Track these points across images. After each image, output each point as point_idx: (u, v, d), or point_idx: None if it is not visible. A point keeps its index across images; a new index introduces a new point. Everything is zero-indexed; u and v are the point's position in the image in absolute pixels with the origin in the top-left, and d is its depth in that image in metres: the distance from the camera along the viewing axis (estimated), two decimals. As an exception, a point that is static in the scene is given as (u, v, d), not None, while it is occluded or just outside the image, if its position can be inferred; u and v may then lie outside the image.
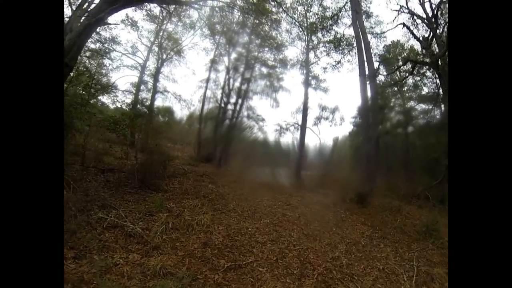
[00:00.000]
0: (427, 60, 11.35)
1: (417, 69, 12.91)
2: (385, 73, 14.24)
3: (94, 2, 6.46)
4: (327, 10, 13.20)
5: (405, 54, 13.78)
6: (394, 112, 14.76)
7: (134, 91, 13.77)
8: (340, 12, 12.90)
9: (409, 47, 13.77)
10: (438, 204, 8.71)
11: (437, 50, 11.14)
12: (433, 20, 10.98)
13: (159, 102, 15.01)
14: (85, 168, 6.81)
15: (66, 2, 8.22)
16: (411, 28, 12.24)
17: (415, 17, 12.36)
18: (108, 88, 13.24)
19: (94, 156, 7.99)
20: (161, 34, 14.14)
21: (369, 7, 12.99)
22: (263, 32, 13.85)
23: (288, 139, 15.08)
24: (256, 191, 8.26)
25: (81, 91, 6.90)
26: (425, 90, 14.28)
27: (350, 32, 13.08)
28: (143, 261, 3.47)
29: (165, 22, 14.01)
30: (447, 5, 10.04)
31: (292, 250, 4.41)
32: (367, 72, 10.17)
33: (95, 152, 8.19)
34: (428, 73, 13.82)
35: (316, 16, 13.43)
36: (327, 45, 13.83)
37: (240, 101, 14.00)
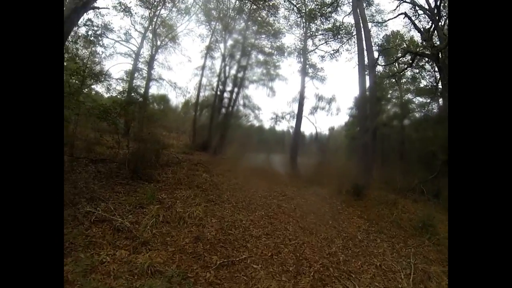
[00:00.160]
0: (428, 52, 11.05)
1: (416, 61, 12.62)
2: (383, 63, 13.93)
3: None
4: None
5: (404, 45, 13.44)
6: (391, 104, 14.60)
7: (125, 79, 13.35)
8: (339, -1, 12.46)
9: (409, 38, 13.45)
10: (433, 199, 8.64)
11: (438, 42, 10.83)
12: (435, 11, 10.63)
13: (154, 90, 14.66)
14: (75, 159, 6.50)
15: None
16: (413, 18, 11.89)
17: (416, 7, 11.99)
18: (102, 76, 12.84)
19: (85, 146, 7.69)
20: (155, 20, 13.58)
21: (370, -5, 12.57)
22: (260, 18, 13.38)
23: (284, 127, 14.93)
24: (251, 180, 8.06)
25: (70, 79, 6.48)
26: (423, 83, 14.08)
27: (349, 20, 12.73)
28: (131, 258, 3.24)
29: (159, 7, 13.45)
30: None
31: (287, 245, 4.21)
32: (366, 62, 9.87)
33: (86, 142, 7.89)
34: (427, 66, 13.56)
35: (315, 2, 12.96)
36: (325, 33, 13.41)
37: (236, 89, 13.68)
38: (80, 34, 11.33)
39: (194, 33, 14.41)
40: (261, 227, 4.75)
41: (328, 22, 13.25)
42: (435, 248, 4.96)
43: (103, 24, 12.36)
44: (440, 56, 10.29)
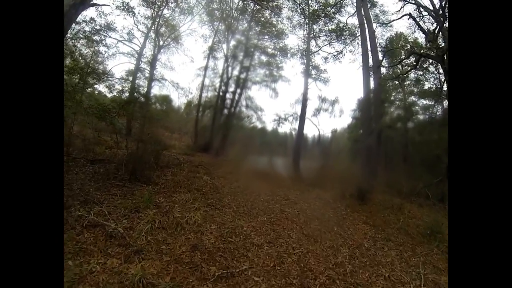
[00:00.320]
0: (432, 53, 10.72)
1: (420, 63, 12.30)
2: (386, 65, 13.62)
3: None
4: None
5: (408, 46, 13.12)
6: (394, 107, 14.30)
7: (125, 78, 13.16)
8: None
9: (412, 40, 13.12)
10: (438, 203, 8.31)
11: (443, 43, 10.49)
12: (440, 12, 10.29)
13: (156, 90, 14.42)
14: (72, 159, 6.24)
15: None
16: (417, 20, 11.57)
17: (421, 8, 11.68)
18: (104, 75, 12.65)
19: (84, 146, 7.42)
20: (158, 20, 13.34)
21: (373, -4, 12.26)
22: (263, 19, 13.10)
23: (287, 129, 14.66)
24: (253, 183, 7.76)
25: (67, 76, 6.22)
26: (426, 86, 13.77)
27: (353, 21, 12.42)
28: (122, 268, 2.95)
29: (162, 7, 13.21)
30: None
31: (291, 254, 3.90)
32: (370, 63, 9.55)
33: (85, 142, 7.62)
34: (431, 68, 13.26)
35: (318, 3, 12.66)
36: (329, 34, 13.10)
37: (238, 90, 13.41)
38: (77, 31, 11.11)
39: (197, 33, 14.19)
40: (263, 234, 4.44)
41: (331, 23, 12.96)
42: (444, 256, 4.62)
43: (106, 23, 12.17)
44: (445, 58, 9.96)
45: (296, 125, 13.50)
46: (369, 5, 11.17)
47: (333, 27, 12.82)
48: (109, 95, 12.77)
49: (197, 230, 4.09)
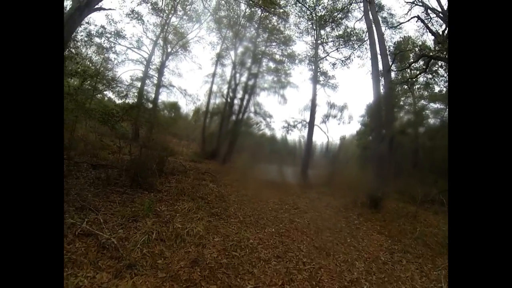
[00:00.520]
0: (442, 55, 10.21)
1: (430, 66, 11.78)
2: (395, 69, 13.12)
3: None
4: (338, 1, 12.09)
5: (417, 50, 12.63)
6: (404, 112, 13.74)
7: (132, 83, 13.09)
8: (350, 4, 11.76)
9: (420, 43, 12.64)
10: (453, 210, 7.68)
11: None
12: (448, 13, 9.83)
13: (164, 96, 14.26)
14: (74, 164, 5.95)
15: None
16: (425, 22, 11.11)
17: (429, 10, 11.24)
18: (113, 82, 12.60)
19: (88, 150, 7.16)
20: (166, 27, 13.24)
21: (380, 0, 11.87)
22: (270, 25, 12.83)
23: (295, 136, 14.24)
24: (261, 192, 7.30)
25: (67, 79, 5.98)
26: (436, 89, 13.20)
27: (360, 26, 12.03)
28: (111, 284, 2.54)
29: (170, 15, 13.12)
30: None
31: (301, 271, 3.41)
32: (380, 67, 9.07)
33: (89, 146, 7.36)
34: (441, 71, 12.71)
35: (325, 9, 12.33)
36: (336, 39, 12.72)
37: (246, 96, 13.08)
38: (80, 38, 11.08)
39: (204, 41, 14.04)
40: (271, 247, 3.95)
41: (338, 28, 12.59)
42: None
43: (115, 31, 12.13)
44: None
45: (304, 132, 13.09)
46: (376, 8, 10.77)
47: (341, 32, 12.45)
48: (118, 101, 12.70)
49: (199, 242, 3.65)
